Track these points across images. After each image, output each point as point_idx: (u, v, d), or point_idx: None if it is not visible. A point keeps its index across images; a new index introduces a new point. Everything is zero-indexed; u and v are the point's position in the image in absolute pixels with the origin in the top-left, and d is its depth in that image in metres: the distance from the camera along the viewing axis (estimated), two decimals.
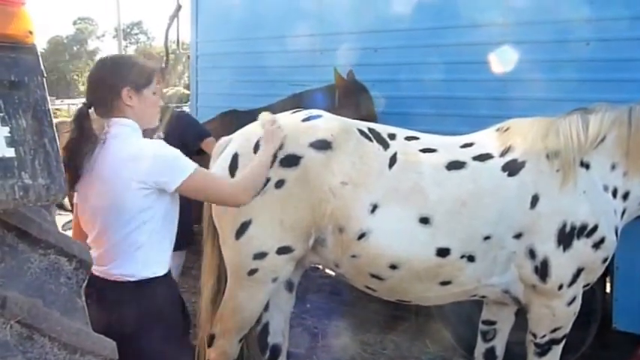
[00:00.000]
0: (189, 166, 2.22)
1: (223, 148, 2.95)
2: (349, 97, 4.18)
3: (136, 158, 2.16)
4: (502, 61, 3.71)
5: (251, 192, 2.47)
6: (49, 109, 1.71)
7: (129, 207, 2.16)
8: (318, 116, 2.96)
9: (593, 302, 3.60)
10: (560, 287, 2.81)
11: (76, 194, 2.32)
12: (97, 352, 1.71)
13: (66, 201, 5.06)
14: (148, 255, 2.22)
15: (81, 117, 2.24)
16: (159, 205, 2.21)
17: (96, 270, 2.16)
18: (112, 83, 2.23)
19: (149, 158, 2.16)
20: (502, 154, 2.85)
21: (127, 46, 55.96)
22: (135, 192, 2.14)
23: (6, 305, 1.55)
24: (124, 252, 2.20)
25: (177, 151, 2.24)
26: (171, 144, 2.32)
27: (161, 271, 2.27)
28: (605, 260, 2.87)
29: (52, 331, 1.62)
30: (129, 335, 2.08)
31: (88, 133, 2.21)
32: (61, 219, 5.51)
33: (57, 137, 1.71)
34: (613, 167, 2.85)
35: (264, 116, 2.89)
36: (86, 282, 1.84)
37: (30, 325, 1.58)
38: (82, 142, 2.19)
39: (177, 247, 2.95)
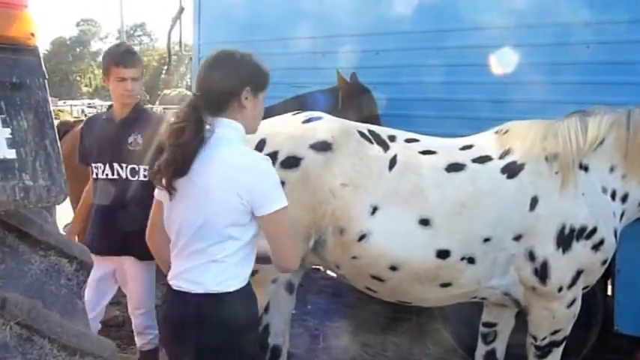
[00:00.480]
0: (284, 198, 2.05)
1: None
2: (352, 99, 4.18)
3: (242, 171, 2.01)
4: (502, 63, 3.71)
5: (296, 261, 2.23)
6: (50, 111, 1.72)
7: (223, 218, 2.00)
8: (319, 118, 2.97)
9: (595, 305, 3.59)
10: (560, 289, 2.81)
11: (158, 191, 2.14)
12: (96, 353, 1.72)
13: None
14: (224, 271, 2.05)
15: (197, 112, 2.03)
16: (252, 224, 2.06)
17: (171, 275, 2.12)
18: (233, 82, 2.08)
19: (254, 175, 2.01)
20: (501, 157, 2.85)
21: None
22: (232, 206, 1.99)
23: (6, 306, 1.56)
24: (203, 264, 2.05)
25: (278, 178, 2.09)
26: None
27: (238, 285, 2.08)
28: (604, 262, 2.87)
29: (52, 332, 1.63)
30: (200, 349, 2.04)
31: (201, 129, 2.02)
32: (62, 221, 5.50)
33: (58, 139, 1.72)
34: (612, 170, 2.85)
35: None
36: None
37: (30, 326, 1.59)
38: (195, 140, 2.00)
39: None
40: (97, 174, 3.21)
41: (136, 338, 3.43)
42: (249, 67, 2.14)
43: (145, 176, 3.07)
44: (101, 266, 3.10)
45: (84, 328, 1.73)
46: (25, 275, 1.69)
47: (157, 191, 2.16)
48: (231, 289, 2.04)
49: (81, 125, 3.55)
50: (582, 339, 3.58)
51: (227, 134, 2.06)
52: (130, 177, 3.16)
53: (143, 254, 3.10)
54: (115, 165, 3.16)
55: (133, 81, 3.13)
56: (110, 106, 3.39)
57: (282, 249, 2.12)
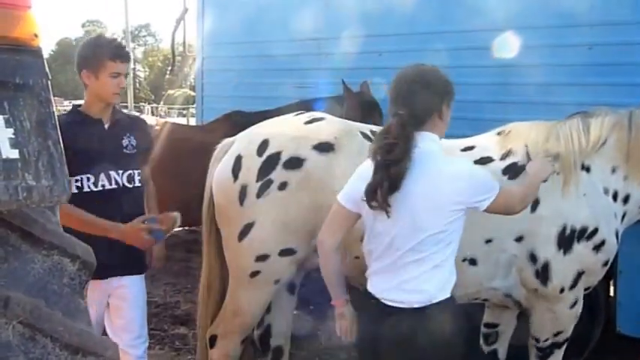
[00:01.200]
0: (496, 183, 2.22)
1: (226, 150, 2.96)
2: (357, 110, 4.18)
3: (455, 178, 2.12)
4: (505, 64, 3.71)
5: (525, 204, 2.41)
6: (53, 112, 1.72)
7: (442, 226, 2.10)
8: (321, 119, 2.97)
9: (596, 306, 3.58)
10: (562, 290, 2.81)
11: (367, 211, 2.16)
12: (99, 352, 1.71)
13: None
14: (444, 276, 2.17)
15: (406, 129, 2.08)
16: (461, 225, 2.18)
17: (379, 290, 2.18)
18: (436, 96, 2.16)
19: (467, 178, 2.14)
20: (503, 158, 2.85)
21: (134, 48, 56.12)
22: (449, 212, 2.10)
23: (9, 305, 1.55)
24: (425, 272, 2.13)
25: (484, 169, 2.25)
26: None
27: (450, 293, 2.21)
28: (605, 263, 2.87)
29: (54, 331, 1.62)
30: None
31: (412, 146, 2.07)
32: None
33: (61, 139, 1.73)
34: (613, 171, 2.84)
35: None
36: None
37: (32, 325, 1.58)
38: (407, 156, 2.06)
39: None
40: (85, 186, 2.78)
41: None
42: (444, 80, 2.22)
43: (139, 182, 2.91)
44: (99, 296, 2.84)
45: (86, 327, 1.73)
46: (27, 274, 1.69)
47: (348, 203, 2.24)
48: (449, 294, 2.17)
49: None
50: (584, 340, 3.57)
51: (430, 147, 2.14)
52: (127, 184, 2.86)
53: (143, 267, 3.03)
54: (112, 173, 2.82)
55: (124, 77, 2.88)
56: (77, 106, 2.96)
57: (508, 209, 2.31)
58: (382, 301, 2.17)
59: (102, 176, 2.80)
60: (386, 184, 2.05)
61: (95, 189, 2.79)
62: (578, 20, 3.63)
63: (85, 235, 2.38)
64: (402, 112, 2.10)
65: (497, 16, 3.87)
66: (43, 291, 1.69)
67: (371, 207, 2.10)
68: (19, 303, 1.57)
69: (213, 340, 3.04)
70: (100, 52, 2.79)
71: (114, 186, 2.83)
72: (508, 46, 3.74)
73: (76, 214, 2.61)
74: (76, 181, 2.73)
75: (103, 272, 2.49)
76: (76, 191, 2.70)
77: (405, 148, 2.05)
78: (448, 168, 2.15)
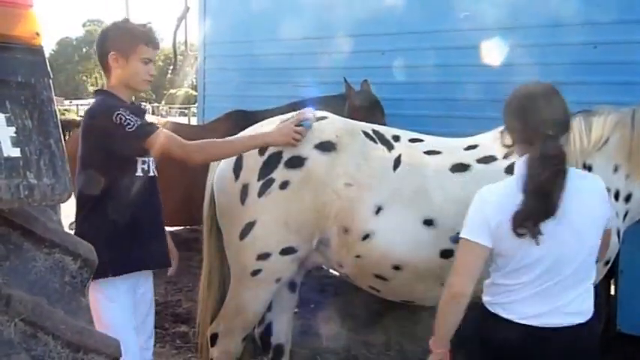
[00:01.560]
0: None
1: None
2: (359, 109, 4.18)
3: (604, 194, 2.19)
4: (507, 63, 3.70)
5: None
6: (55, 110, 1.73)
7: (597, 244, 2.14)
8: (323, 117, 2.97)
9: (597, 305, 3.57)
10: None
11: (505, 243, 2.09)
12: (100, 350, 1.71)
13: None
14: (593, 293, 2.19)
15: (559, 152, 2.05)
16: None
17: (526, 316, 2.12)
18: (539, 119, 2.12)
19: (603, 191, 2.20)
20: (505, 157, 2.83)
21: None
22: (601, 228, 2.15)
23: (10, 303, 1.56)
24: (584, 292, 2.15)
25: None
26: None
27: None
28: (607, 262, 2.86)
29: (56, 329, 1.63)
30: None
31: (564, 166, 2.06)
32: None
33: (62, 138, 1.73)
34: (615, 169, 2.83)
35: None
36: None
37: (34, 323, 1.59)
38: (561, 178, 2.04)
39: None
40: (141, 170, 2.62)
41: None
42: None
43: (154, 171, 2.71)
44: (131, 289, 2.68)
45: (87, 325, 1.74)
46: (29, 273, 1.70)
47: (480, 237, 2.11)
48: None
49: (116, 104, 2.56)
50: None
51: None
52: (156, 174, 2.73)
53: (168, 262, 2.84)
54: (153, 160, 2.69)
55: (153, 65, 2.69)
56: (109, 94, 2.63)
57: None
58: (529, 325, 2.12)
59: (152, 162, 2.70)
60: (542, 211, 2.00)
61: (149, 174, 2.67)
62: (581, 19, 3.62)
63: (112, 230, 2.50)
64: (553, 132, 2.07)
65: (499, 14, 3.86)
66: (45, 289, 1.70)
67: (518, 235, 2.04)
68: (20, 301, 1.58)
69: (214, 338, 3.04)
70: (134, 35, 2.59)
71: (154, 174, 2.73)
72: (509, 44, 3.74)
73: (214, 142, 2.75)
74: (143, 162, 2.63)
75: (134, 264, 2.62)
76: (141, 174, 2.61)
77: (565, 172, 2.05)
78: (596, 185, 2.18)
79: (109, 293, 2.56)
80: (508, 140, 2.27)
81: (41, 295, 1.67)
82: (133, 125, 2.44)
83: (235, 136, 2.88)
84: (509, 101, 2.24)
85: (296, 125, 2.76)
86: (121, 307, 2.60)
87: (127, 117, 2.44)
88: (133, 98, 2.80)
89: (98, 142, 2.53)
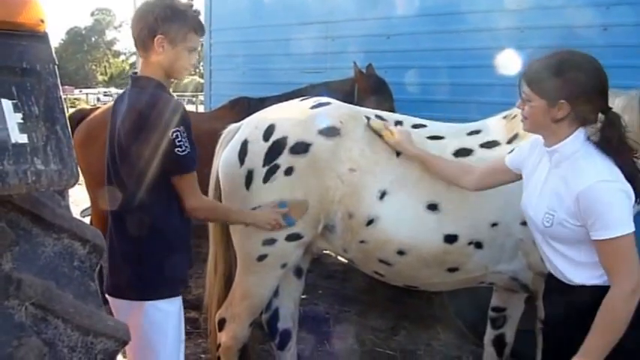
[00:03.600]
0: None
1: (232, 135, 2.97)
2: (368, 93, 4.17)
3: None
4: (516, 47, 3.66)
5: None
6: (60, 96, 1.74)
7: None
8: (327, 103, 2.98)
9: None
10: None
11: None
12: (109, 334, 1.75)
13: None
14: None
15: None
16: None
17: None
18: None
19: None
20: (509, 141, 2.83)
21: None
22: None
23: (21, 287, 1.59)
24: None
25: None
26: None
27: None
28: None
29: (66, 312, 1.66)
30: None
31: None
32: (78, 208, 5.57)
33: (69, 124, 1.75)
34: None
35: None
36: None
37: (44, 306, 1.62)
38: None
39: None
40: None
41: None
42: None
43: None
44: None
45: (96, 310, 1.77)
46: (38, 257, 1.73)
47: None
48: None
49: (181, 112, 2.29)
50: None
51: None
52: None
53: None
54: None
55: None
56: (161, 86, 2.37)
57: None
58: None
59: None
60: None
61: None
62: (593, 0, 3.58)
63: (171, 252, 2.32)
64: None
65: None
66: (54, 273, 1.73)
67: None
68: (31, 285, 1.61)
69: (222, 323, 3.08)
70: (186, 21, 2.35)
71: None
72: (520, 26, 3.70)
73: (222, 206, 2.82)
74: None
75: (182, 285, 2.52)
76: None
77: None
78: None
79: (175, 309, 2.44)
80: (562, 112, 2.05)
81: (50, 280, 1.70)
82: (184, 151, 2.23)
83: (238, 208, 2.80)
84: (577, 63, 2.05)
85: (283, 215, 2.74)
86: (181, 325, 2.51)
87: (183, 138, 2.23)
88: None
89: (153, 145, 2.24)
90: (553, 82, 2.02)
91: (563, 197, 2.06)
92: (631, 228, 1.99)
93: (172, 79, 2.46)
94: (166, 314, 2.37)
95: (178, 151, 2.22)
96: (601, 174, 1.99)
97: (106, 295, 2.41)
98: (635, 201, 2.01)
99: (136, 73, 2.43)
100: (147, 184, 2.26)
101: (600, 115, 2.09)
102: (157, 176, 2.26)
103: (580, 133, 2.08)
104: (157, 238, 2.32)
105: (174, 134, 2.21)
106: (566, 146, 2.09)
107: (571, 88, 2.01)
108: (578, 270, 2.11)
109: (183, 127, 2.23)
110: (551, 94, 2.03)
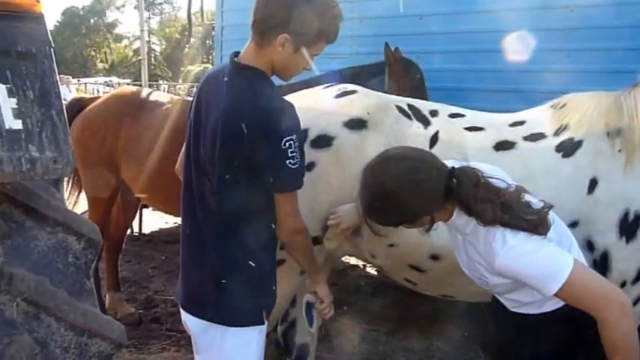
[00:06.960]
0: None
1: None
2: (399, 73, 4.23)
3: None
4: (561, 27, 3.70)
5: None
6: (56, 81, 1.88)
7: None
8: (353, 91, 3.04)
9: None
10: (623, 284, 2.82)
11: None
12: (105, 334, 1.87)
13: None
14: None
15: None
16: None
17: None
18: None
19: None
20: (556, 133, 2.87)
21: (149, 18, 56.65)
22: None
23: (12, 282, 1.72)
24: None
25: None
26: None
27: None
28: None
29: (59, 310, 1.79)
30: None
31: None
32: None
33: (65, 110, 1.89)
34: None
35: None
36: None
37: (36, 303, 1.75)
38: None
39: None
40: None
41: None
42: None
43: None
44: None
45: (92, 308, 1.89)
46: (31, 252, 1.86)
47: None
48: None
49: (297, 117, 2.31)
50: None
51: None
52: None
53: None
54: None
55: None
56: (271, 85, 2.36)
57: None
58: None
59: None
60: None
61: None
62: None
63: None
64: None
65: None
66: (47, 269, 1.86)
67: None
68: (23, 279, 1.74)
69: None
70: (323, 29, 2.29)
71: None
72: (565, 5, 3.74)
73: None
74: None
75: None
76: None
77: None
78: None
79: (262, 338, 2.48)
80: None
81: (44, 276, 1.82)
82: (295, 164, 2.17)
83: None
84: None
85: None
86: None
87: (297, 149, 2.17)
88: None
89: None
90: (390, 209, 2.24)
91: (487, 268, 2.24)
92: (569, 262, 2.09)
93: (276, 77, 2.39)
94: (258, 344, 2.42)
95: (290, 163, 2.15)
96: (499, 240, 2.12)
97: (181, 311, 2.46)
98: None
99: (237, 53, 2.35)
100: (256, 196, 2.25)
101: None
102: (266, 189, 2.24)
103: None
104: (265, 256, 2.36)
105: (287, 143, 2.14)
106: (455, 221, 2.27)
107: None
108: (525, 308, 2.33)
109: (296, 135, 2.18)
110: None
